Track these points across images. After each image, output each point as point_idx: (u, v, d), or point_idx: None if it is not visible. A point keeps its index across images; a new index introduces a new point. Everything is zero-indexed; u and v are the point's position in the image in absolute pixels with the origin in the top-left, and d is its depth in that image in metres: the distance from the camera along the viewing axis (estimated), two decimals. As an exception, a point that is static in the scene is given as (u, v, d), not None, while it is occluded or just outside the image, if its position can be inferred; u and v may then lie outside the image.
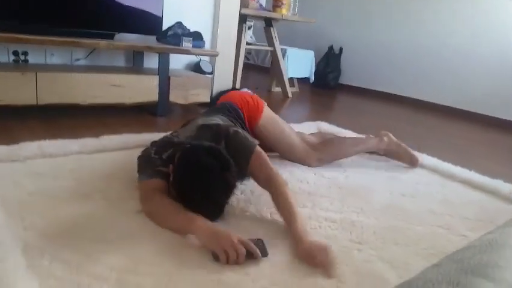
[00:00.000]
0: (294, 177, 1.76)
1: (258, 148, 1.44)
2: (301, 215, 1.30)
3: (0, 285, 0.86)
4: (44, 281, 0.93)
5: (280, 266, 1.10)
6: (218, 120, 1.59)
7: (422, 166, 2.12)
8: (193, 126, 1.55)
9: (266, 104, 1.93)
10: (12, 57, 2.46)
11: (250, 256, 1.09)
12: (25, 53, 2.50)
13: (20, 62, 2.49)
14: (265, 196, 1.52)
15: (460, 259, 0.67)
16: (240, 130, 1.51)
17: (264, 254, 1.12)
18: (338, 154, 2.03)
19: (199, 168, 1.22)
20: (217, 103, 1.96)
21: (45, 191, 1.38)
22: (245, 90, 2.04)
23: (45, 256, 1.02)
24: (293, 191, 1.56)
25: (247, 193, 1.55)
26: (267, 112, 1.87)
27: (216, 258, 1.08)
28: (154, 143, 1.48)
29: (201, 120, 1.59)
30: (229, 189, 1.28)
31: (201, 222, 1.15)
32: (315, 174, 1.86)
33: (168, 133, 1.64)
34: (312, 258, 1.12)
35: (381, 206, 1.59)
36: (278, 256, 1.15)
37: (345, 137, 2.20)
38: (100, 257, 1.05)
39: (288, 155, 1.95)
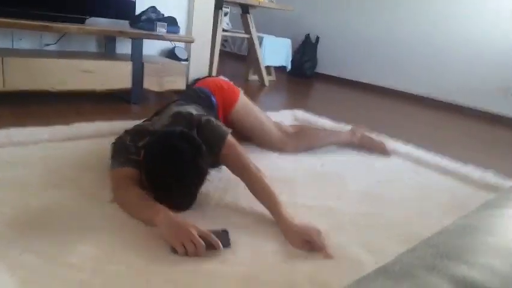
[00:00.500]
0: (272, 165, 1.75)
1: (231, 136, 1.43)
2: (281, 199, 1.30)
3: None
4: (15, 271, 0.89)
5: (258, 254, 1.10)
6: (192, 109, 1.56)
7: (396, 154, 2.16)
8: (167, 115, 1.52)
9: (242, 91, 1.91)
10: (-24, 41, 2.35)
11: (212, 247, 1.06)
12: (-10, 37, 2.39)
13: (-15, 46, 2.38)
14: (243, 184, 1.51)
15: (435, 244, 0.68)
16: (213, 119, 1.49)
17: (226, 244, 1.10)
18: (311, 143, 2.06)
19: (171, 152, 1.19)
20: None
21: (14, 180, 1.33)
22: (221, 77, 2.01)
23: (15, 247, 0.98)
24: (269, 178, 1.57)
25: (224, 181, 1.53)
26: (242, 99, 1.86)
27: (174, 251, 1.05)
28: (128, 131, 1.44)
29: (175, 109, 1.56)
30: (201, 174, 1.25)
31: (164, 214, 1.11)
32: (293, 162, 1.86)
33: (141, 121, 1.60)
34: (305, 241, 1.13)
35: (357, 193, 1.60)
36: (256, 245, 1.14)
37: (319, 128, 2.28)
38: (73, 246, 1.02)
39: (263, 142, 1.95)
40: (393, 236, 1.28)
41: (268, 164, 1.74)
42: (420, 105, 4.18)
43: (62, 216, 1.16)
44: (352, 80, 5.01)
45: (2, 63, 2.09)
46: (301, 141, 2.02)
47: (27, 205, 1.19)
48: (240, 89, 1.90)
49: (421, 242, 0.74)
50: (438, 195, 1.68)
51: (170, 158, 1.19)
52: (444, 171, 1.96)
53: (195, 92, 1.79)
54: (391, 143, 2.25)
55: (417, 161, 2.08)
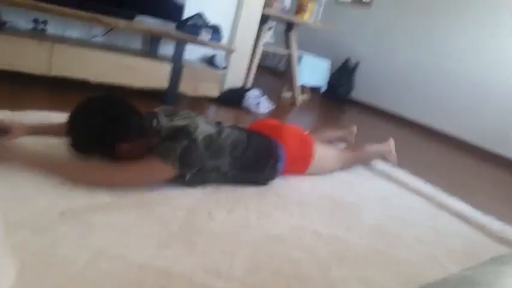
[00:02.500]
0: (288, 185, 1.77)
1: (159, 164, 1.34)
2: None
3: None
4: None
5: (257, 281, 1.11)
6: (201, 128, 1.47)
7: (418, 193, 2.12)
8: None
9: (315, 147, 1.90)
10: (31, 25, 2.48)
11: None
12: (45, 22, 2.52)
13: (39, 30, 2.51)
14: (255, 198, 1.54)
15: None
16: (190, 144, 1.38)
17: None
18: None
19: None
20: (259, 127, 1.89)
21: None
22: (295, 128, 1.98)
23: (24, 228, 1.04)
24: (282, 198, 1.58)
25: (238, 192, 1.56)
26: (314, 161, 1.90)
27: None
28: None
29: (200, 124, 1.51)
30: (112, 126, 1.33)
31: None
32: (310, 185, 1.86)
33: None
34: None
35: (369, 225, 1.59)
36: (260, 264, 1.16)
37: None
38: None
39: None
40: (394, 276, 1.27)
41: (285, 182, 1.77)
42: (454, 147, 4.08)
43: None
44: (385, 111, 4.95)
45: (52, 50, 2.21)
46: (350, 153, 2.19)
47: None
48: (313, 150, 1.89)
49: (418, 288, 0.74)
50: (451, 241, 1.64)
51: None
52: (464, 218, 1.91)
53: (266, 143, 1.71)
54: (414, 182, 2.23)
55: (437, 204, 2.03)
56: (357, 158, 2.23)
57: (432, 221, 1.81)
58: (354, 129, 2.54)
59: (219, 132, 1.54)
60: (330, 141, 2.41)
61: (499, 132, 3.96)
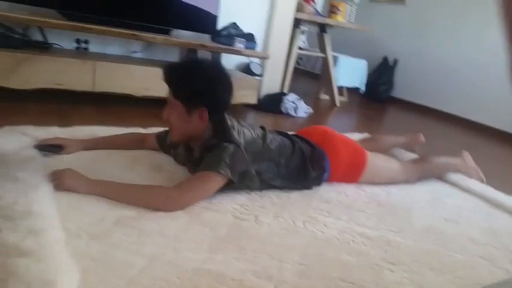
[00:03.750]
0: (332, 189, 1.73)
1: (214, 176, 1.36)
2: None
3: (38, 256, 0.91)
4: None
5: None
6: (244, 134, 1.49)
7: (470, 192, 2.01)
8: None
9: (368, 157, 1.82)
10: (74, 45, 2.60)
11: None
12: (86, 42, 2.64)
13: (82, 49, 2.63)
14: (300, 203, 1.52)
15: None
16: (236, 150, 1.40)
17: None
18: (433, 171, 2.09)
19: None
20: (307, 133, 1.82)
21: (95, 172, 1.44)
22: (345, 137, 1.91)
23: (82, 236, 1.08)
24: (329, 203, 1.55)
25: (283, 197, 1.55)
26: (366, 169, 1.82)
27: None
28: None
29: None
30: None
31: None
32: (355, 187, 1.81)
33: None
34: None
35: (421, 228, 1.53)
36: (310, 268, 1.14)
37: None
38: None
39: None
40: (453, 280, 1.21)
41: (329, 187, 1.73)
42: (503, 141, 3.87)
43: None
44: (430, 108, 4.77)
45: (95, 67, 2.30)
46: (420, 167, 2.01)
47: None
48: (365, 160, 1.82)
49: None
50: (509, 241, 1.54)
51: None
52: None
53: (311, 149, 1.68)
54: (466, 180, 2.12)
55: (493, 202, 1.92)
56: (425, 170, 2.03)
57: (487, 221, 1.71)
58: (421, 137, 2.37)
59: (264, 137, 1.55)
60: (387, 150, 2.30)
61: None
